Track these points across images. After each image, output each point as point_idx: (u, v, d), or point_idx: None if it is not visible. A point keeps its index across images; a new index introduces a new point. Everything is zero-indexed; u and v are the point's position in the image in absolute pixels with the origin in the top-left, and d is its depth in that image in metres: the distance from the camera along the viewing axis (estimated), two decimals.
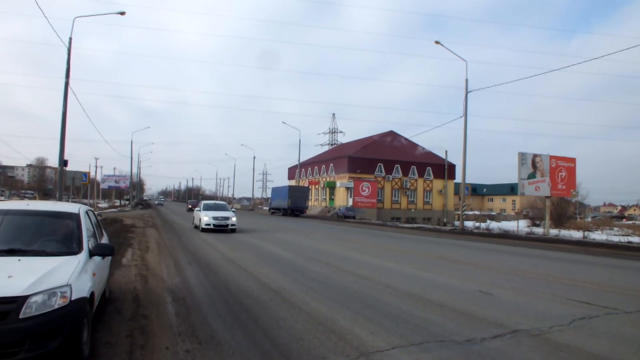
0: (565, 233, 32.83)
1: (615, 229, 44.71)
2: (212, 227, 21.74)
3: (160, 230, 22.94)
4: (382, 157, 63.18)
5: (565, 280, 10.37)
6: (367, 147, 66.13)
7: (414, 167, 64.87)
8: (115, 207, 61.49)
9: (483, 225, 39.56)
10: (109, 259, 6.41)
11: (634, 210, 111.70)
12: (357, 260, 12.86)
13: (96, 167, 66.40)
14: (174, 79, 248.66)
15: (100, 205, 60.04)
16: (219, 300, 7.31)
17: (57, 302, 3.85)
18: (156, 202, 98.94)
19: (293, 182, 70.03)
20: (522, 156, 32.00)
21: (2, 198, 66.69)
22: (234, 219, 22.75)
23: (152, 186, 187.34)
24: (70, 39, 21.31)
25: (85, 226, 5.46)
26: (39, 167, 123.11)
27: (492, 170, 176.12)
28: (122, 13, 22.92)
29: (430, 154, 67.03)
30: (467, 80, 30.73)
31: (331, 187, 65.08)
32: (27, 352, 3.58)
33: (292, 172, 77.88)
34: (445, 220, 58.97)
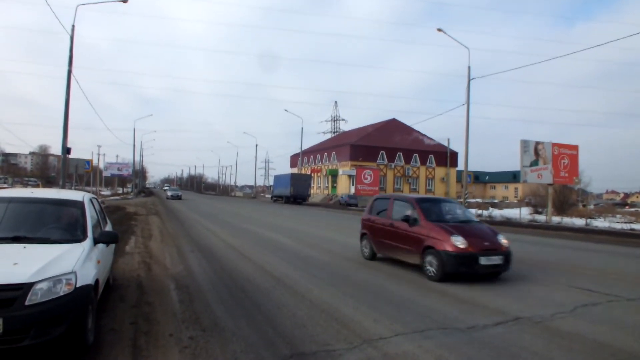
0: (568, 220, 32.79)
1: (617, 216, 44.63)
2: None
3: (162, 217, 23.00)
4: (384, 145, 63.06)
5: (567, 267, 10.38)
6: (369, 135, 65.98)
7: (416, 154, 64.76)
8: (118, 194, 61.67)
9: (485, 212, 39.56)
10: (112, 246, 6.45)
11: (637, 197, 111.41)
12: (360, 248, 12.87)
13: (99, 154, 66.31)
14: (176, 67, 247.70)
15: (103, 193, 60.17)
16: (221, 287, 7.35)
17: (62, 289, 3.87)
18: (169, 195, 53.95)
19: (295, 170, 69.97)
20: (525, 144, 31.90)
21: (6, 186, 66.88)
22: None
23: (155, 174, 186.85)
24: (73, 26, 21.16)
25: (90, 214, 5.48)
26: (42, 155, 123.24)
27: (494, 158, 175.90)
28: (125, 0, 22.76)
29: (432, 142, 66.84)
30: (469, 67, 30.49)
31: (333, 175, 65.06)
32: (32, 338, 3.61)
33: (294, 160, 77.81)
34: None
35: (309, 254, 11.44)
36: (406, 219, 9.12)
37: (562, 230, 23.70)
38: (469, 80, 30.56)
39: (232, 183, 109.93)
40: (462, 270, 8.00)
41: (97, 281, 4.55)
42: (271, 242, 13.60)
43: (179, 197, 52.22)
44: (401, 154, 64.02)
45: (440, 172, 66.22)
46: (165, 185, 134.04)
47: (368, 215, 10.98)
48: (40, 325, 3.66)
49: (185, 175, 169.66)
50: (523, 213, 37.27)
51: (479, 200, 74.18)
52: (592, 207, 57.26)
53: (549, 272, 9.70)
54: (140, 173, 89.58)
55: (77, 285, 3.99)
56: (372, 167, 60.61)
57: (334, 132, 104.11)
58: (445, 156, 64.87)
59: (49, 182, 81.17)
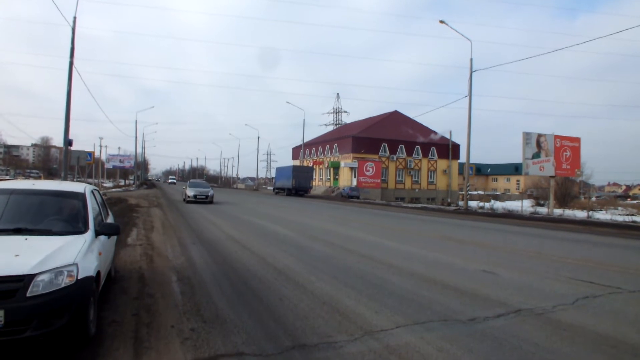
0: (570, 213, 32.79)
1: (619, 208, 44.70)
2: None
3: (164, 209, 23.02)
4: (386, 137, 62.90)
5: (568, 259, 10.38)
6: (371, 127, 65.79)
7: (418, 147, 64.60)
8: (120, 186, 61.75)
9: (487, 205, 39.52)
10: (114, 238, 6.46)
11: (639, 189, 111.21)
12: (362, 240, 12.89)
13: (101, 146, 66.46)
14: (178, 59, 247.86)
15: (105, 184, 60.31)
16: (223, 279, 7.35)
17: (64, 281, 3.88)
18: (191, 194, 28.72)
19: (297, 162, 69.95)
20: (527, 136, 31.86)
21: (7, 177, 67.00)
22: None
23: (156, 166, 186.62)
24: (75, 18, 21.10)
25: (91, 205, 5.48)
26: (43, 147, 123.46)
27: (496, 150, 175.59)
28: None
29: (434, 134, 66.67)
30: (471, 59, 30.45)
31: (335, 167, 64.96)
32: (34, 330, 3.62)
33: (296, 152, 77.73)
34: (449, 200, 58.93)
35: (310, 245, 11.45)
36: None
37: (563, 222, 23.67)
38: (471, 72, 30.51)
39: (234, 175, 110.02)
40: None
41: (98, 273, 4.56)
42: (273, 234, 13.61)
43: (208, 200, 28.83)
44: (403, 146, 63.85)
45: (442, 164, 66.09)
46: (170, 177, 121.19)
47: None
48: (41, 317, 3.66)
49: (187, 167, 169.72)
50: (525, 205, 37.26)
51: (480, 192, 74.25)
52: (593, 199, 57.27)
53: (550, 264, 9.70)
54: (142, 165, 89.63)
55: (79, 277, 3.99)
56: (374, 160, 60.53)
57: (336, 124, 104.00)
58: (447, 148, 64.74)
59: (50, 174, 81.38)
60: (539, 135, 32.40)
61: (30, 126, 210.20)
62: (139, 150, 77.00)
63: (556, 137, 33.11)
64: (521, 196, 55.85)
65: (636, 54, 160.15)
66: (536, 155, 32.04)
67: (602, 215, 31.47)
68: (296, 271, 8.06)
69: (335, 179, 65.07)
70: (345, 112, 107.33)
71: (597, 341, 4.77)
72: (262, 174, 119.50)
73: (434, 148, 65.77)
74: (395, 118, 68.45)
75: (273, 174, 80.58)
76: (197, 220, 17.57)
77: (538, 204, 45.40)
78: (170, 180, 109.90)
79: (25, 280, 3.70)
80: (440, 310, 5.72)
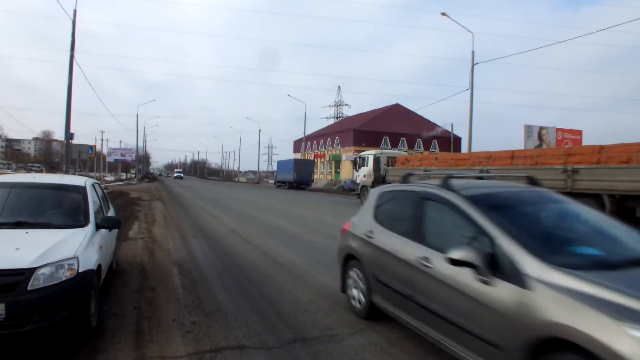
0: None
1: None
2: None
3: (166, 203, 23.03)
4: (387, 130, 62.81)
5: None
6: (372, 120, 65.70)
7: (420, 140, 64.52)
8: (122, 180, 61.82)
9: None
10: (115, 231, 6.45)
11: None
12: None
13: (102, 140, 66.52)
14: (179, 53, 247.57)
15: (106, 178, 60.33)
16: (224, 272, 7.36)
17: (65, 274, 3.88)
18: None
19: (298, 156, 69.84)
20: (528, 129, 31.84)
21: (9, 171, 67.03)
22: None
23: (158, 159, 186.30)
24: (75, 11, 21.02)
25: (92, 199, 5.48)
26: (45, 141, 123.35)
27: (498, 143, 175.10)
28: None
29: (435, 127, 66.54)
30: (473, 52, 30.21)
31: (337, 160, 64.94)
32: (35, 323, 3.62)
33: (297, 146, 77.68)
34: None
35: (312, 239, 11.44)
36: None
37: None
38: (473, 64, 30.32)
39: (236, 168, 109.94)
40: None
41: (99, 266, 4.56)
42: (274, 228, 13.60)
43: None
44: (404, 139, 63.77)
45: None
46: (176, 170, 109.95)
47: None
48: (42, 310, 3.67)
49: (188, 160, 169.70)
50: None
51: None
52: None
53: None
54: (143, 158, 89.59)
55: (80, 271, 4.00)
56: None
57: (337, 118, 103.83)
58: (449, 141, 64.52)
59: (52, 168, 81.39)
60: (541, 128, 32.37)
61: (31, 120, 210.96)
62: (140, 143, 76.97)
63: (558, 129, 33.09)
64: None
65: (638, 46, 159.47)
66: (538, 148, 32.02)
67: None
68: (298, 264, 8.06)
69: (337, 172, 65.07)
70: (347, 105, 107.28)
71: None
72: (264, 167, 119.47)
73: (436, 141, 65.64)
74: (396, 111, 68.33)
75: (274, 167, 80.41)
76: (198, 214, 17.57)
77: None
78: (176, 174, 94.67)
79: (26, 273, 3.70)
80: None
